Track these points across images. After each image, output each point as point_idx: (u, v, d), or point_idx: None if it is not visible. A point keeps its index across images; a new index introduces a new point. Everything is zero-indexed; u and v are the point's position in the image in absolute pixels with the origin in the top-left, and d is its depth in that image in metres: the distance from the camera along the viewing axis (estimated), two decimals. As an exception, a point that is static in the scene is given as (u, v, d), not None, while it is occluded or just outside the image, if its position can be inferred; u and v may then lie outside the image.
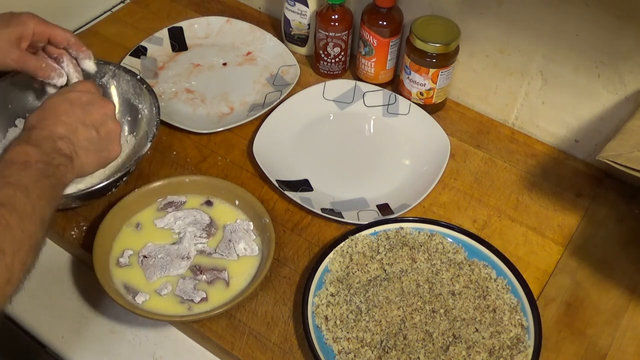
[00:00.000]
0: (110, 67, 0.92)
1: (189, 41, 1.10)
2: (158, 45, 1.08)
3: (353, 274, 0.78)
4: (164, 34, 1.09)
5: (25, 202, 0.59)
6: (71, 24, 1.13)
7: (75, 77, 0.83)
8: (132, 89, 0.91)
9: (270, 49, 1.09)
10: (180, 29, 1.10)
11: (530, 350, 0.72)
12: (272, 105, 0.98)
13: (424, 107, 0.99)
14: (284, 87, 1.02)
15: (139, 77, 0.91)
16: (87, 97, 0.74)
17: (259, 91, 1.03)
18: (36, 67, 0.80)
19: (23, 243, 0.58)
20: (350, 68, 1.08)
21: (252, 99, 1.02)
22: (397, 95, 1.00)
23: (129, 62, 1.03)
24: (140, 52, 1.06)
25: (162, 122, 0.94)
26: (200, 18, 1.12)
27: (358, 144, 0.98)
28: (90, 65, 0.85)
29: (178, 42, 1.10)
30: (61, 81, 0.82)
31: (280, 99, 0.99)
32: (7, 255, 0.55)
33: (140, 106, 0.91)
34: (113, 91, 0.92)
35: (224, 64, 1.08)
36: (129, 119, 0.92)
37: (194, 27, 1.11)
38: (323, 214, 0.85)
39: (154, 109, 0.87)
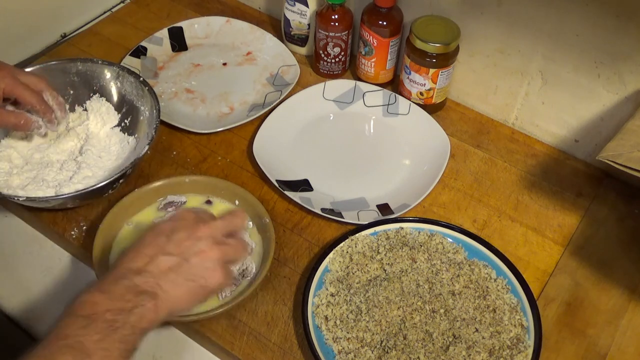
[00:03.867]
0: (114, 68, 0.92)
1: (189, 41, 1.10)
2: (158, 45, 1.08)
3: (353, 274, 0.78)
4: (164, 34, 1.09)
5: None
6: (71, 24, 1.13)
7: (58, 110, 0.84)
8: (134, 90, 0.91)
9: (270, 48, 1.09)
10: (180, 29, 1.10)
11: (530, 350, 0.72)
12: (272, 105, 0.98)
13: (424, 107, 0.99)
14: (284, 87, 1.02)
15: (141, 78, 0.91)
16: (173, 224, 0.65)
17: (259, 91, 1.03)
18: (16, 125, 0.81)
19: None
20: (350, 68, 1.08)
21: (252, 99, 1.02)
22: (397, 95, 1.00)
23: (129, 62, 1.03)
24: (140, 52, 1.06)
25: (162, 122, 0.94)
26: (200, 18, 1.12)
27: (358, 144, 0.98)
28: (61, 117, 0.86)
29: (178, 42, 1.10)
30: (46, 128, 0.84)
31: (280, 99, 0.99)
32: None
33: (142, 108, 0.91)
34: (114, 91, 0.92)
35: (224, 64, 1.08)
36: (130, 119, 0.92)
37: (194, 27, 1.11)
38: (323, 214, 0.85)
39: (155, 111, 0.87)
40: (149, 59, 1.06)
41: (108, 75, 0.92)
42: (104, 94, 0.92)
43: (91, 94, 0.92)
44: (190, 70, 1.06)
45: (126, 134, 0.91)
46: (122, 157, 0.89)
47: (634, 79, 0.85)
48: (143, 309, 0.58)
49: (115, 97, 0.93)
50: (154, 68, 1.05)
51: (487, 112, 1.02)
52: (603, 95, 0.89)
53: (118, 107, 0.92)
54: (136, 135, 0.91)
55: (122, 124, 0.92)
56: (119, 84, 0.92)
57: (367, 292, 0.76)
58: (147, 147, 0.83)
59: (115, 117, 0.92)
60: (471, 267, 0.79)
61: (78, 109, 0.92)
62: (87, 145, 0.88)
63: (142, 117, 0.91)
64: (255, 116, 0.97)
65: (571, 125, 0.95)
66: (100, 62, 0.92)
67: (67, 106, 0.89)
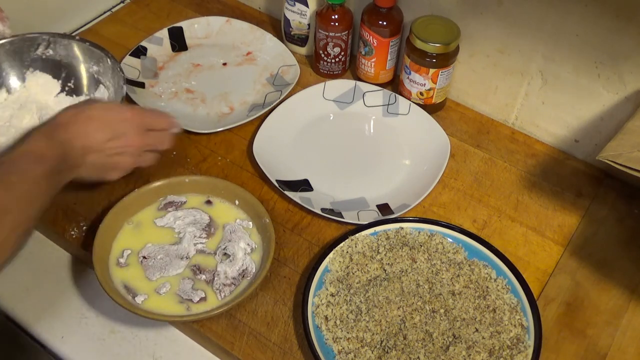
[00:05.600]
0: (44, 37, 0.93)
1: (189, 41, 1.10)
2: (158, 45, 1.08)
3: (353, 274, 0.78)
4: (164, 34, 1.09)
5: (28, 191, 0.65)
6: (71, 24, 1.13)
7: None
8: (69, 52, 0.94)
9: (270, 49, 1.09)
10: (180, 29, 1.10)
11: (530, 350, 0.72)
12: (272, 105, 0.98)
13: (424, 107, 0.99)
14: (284, 87, 1.02)
15: (77, 37, 0.94)
16: (121, 126, 0.76)
17: (259, 91, 1.03)
18: None
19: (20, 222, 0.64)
20: (350, 68, 1.08)
21: (252, 99, 1.02)
22: (397, 95, 1.00)
23: (129, 62, 1.03)
24: (140, 52, 1.06)
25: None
26: (200, 18, 1.12)
27: (358, 144, 0.98)
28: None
29: (178, 42, 1.10)
30: None
31: (280, 99, 0.99)
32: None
33: (84, 66, 0.94)
34: (48, 60, 0.94)
35: (224, 64, 1.08)
36: (74, 81, 0.95)
37: (194, 27, 1.11)
38: (323, 214, 0.85)
39: (108, 60, 0.92)
40: (149, 59, 1.06)
41: (38, 47, 0.93)
42: (38, 66, 0.94)
43: (24, 71, 0.94)
44: (190, 70, 1.06)
45: (74, 95, 0.94)
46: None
47: (634, 79, 0.85)
48: (68, 173, 0.72)
49: (51, 65, 0.94)
50: (154, 68, 1.05)
51: (487, 112, 1.02)
52: (603, 95, 0.89)
53: (56, 75, 0.95)
54: (86, 92, 0.94)
55: (67, 89, 0.94)
56: (50, 51, 0.93)
57: (367, 292, 0.76)
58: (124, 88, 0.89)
59: (56, 85, 0.94)
60: (471, 267, 0.79)
61: (19, 87, 0.94)
62: (44, 117, 0.90)
63: (87, 74, 0.94)
64: (255, 116, 0.97)
65: (571, 125, 0.95)
66: (26, 35, 0.93)
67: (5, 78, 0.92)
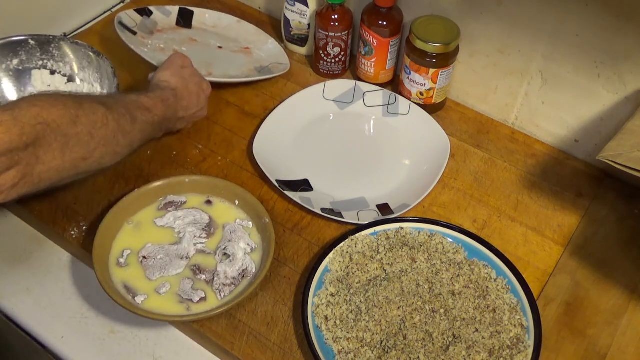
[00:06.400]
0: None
1: (195, 24, 1.13)
2: (165, 15, 1.11)
3: (353, 274, 0.78)
4: (174, 9, 1.12)
5: (130, 126, 0.75)
6: (71, 23, 1.13)
7: None
8: (33, 56, 0.95)
9: (269, 50, 1.11)
10: (192, 12, 1.13)
11: (530, 350, 0.72)
12: (249, 79, 1.01)
13: (424, 107, 0.99)
14: (268, 73, 1.05)
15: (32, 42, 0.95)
16: (198, 87, 0.90)
17: (243, 72, 1.05)
18: None
19: (110, 142, 0.73)
20: (350, 68, 1.08)
21: (232, 74, 1.04)
22: (397, 95, 1.00)
23: (131, 14, 1.06)
24: (145, 12, 1.08)
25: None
26: (214, 11, 1.14)
27: (358, 144, 0.98)
28: None
29: (185, 20, 1.12)
30: None
31: (261, 78, 1.02)
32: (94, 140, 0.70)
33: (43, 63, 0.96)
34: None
35: (220, 47, 1.10)
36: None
37: (205, 16, 1.14)
38: (323, 214, 0.85)
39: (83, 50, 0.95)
40: (151, 20, 1.08)
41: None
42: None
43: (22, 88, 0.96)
44: (185, 42, 1.09)
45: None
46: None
47: (634, 79, 0.85)
48: (166, 125, 0.86)
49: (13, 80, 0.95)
50: (153, 28, 1.08)
51: (487, 112, 1.02)
52: (603, 95, 0.89)
53: (18, 86, 0.95)
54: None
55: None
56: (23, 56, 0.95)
57: (367, 292, 0.76)
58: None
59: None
60: (471, 267, 0.79)
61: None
62: None
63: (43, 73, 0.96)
64: (228, 80, 1.00)
65: (571, 125, 0.95)
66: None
67: None
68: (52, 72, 0.96)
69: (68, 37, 0.97)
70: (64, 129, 0.66)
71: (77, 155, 0.68)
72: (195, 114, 0.91)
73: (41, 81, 0.96)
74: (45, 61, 0.96)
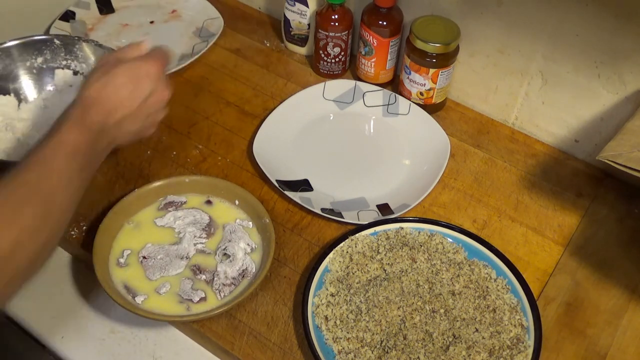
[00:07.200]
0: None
1: (115, 4, 1.16)
2: (85, 9, 1.13)
3: (353, 274, 0.78)
4: (91, 0, 1.14)
5: (63, 193, 0.64)
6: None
7: None
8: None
9: (194, 5, 1.15)
10: None
11: (530, 350, 0.72)
12: (200, 54, 1.04)
13: (424, 107, 0.99)
14: (210, 37, 1.09)
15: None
16: (149, 84, 0.73)
17: (187, 43, 1.10)
18: None
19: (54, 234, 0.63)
20: (350, 68, 1.08)
21: (180, 51, 1.08)
22: (397, 95, 1.00)
23: (59, 26, 1.09)
24: (69, 16, 1.10)
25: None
26: None
27: (358, 144, 0.98)
28: None
29: (105, 5, 1.15)
30: None
31: (208, 47, 1.06)
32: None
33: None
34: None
35: (151, 22, 1.13)
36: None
37: None
38: (323, 214, 0.85)
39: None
40: (78, 22, 1.11)
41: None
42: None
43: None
44: (119, 31, 1.11)
45: (38, 94, 0.95)
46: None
47: (634, 79, 0.85)
48: (104, 153, 0.71)
49: None
50: (84, 30, 1.10)
51: (487, 112, 1.02)
52: (603, 95, 0.89)
53: (4, 91, 0.94)
54: (49, 88, 0.96)
55: (22, 96, 0.95)
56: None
57: (367, 292, 0.76)
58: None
59: (11, 100, 0.94)
60: (471, 267, 0.79)
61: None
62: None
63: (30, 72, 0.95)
64: (184, 64, 1.02)
65: (571, 125, 0.95)
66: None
67: None
68: (75, 73, 0.97)
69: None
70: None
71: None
72: (143, 106, 0.73)
73: (64, 81, 0.96)
74: (69, 61, 0.96)
